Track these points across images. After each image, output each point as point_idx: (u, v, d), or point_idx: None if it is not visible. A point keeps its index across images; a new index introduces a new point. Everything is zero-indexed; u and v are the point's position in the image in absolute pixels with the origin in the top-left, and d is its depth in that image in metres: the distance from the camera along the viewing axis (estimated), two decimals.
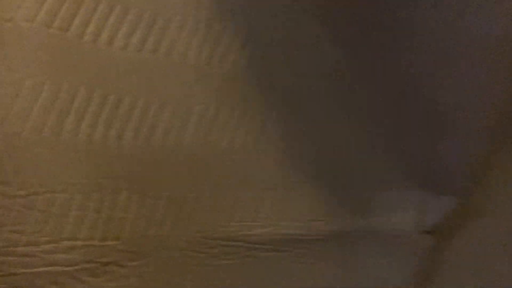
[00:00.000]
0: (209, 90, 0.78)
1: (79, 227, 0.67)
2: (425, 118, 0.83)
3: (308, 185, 0.82)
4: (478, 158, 0.84)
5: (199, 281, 0.76)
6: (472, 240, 0.85)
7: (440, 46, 0.81)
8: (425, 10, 0.80)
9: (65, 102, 0.67)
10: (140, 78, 0.73)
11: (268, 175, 0.80)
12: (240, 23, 0.79)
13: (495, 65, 0.80)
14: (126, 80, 0.73)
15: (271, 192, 0.80)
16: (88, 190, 0.68)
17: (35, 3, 0.66)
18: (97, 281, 0.67)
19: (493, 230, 0.79)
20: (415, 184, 0.84)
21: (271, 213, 0.80)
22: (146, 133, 0.74)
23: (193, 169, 0.77)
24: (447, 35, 0.80)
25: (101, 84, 0.70)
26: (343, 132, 0.84)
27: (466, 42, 0.79)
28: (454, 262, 0.87)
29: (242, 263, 0.78)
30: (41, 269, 0.64)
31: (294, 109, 0.82)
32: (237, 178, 0.79)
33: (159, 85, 0.74)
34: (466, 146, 0.83)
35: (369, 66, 0.84)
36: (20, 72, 0.64)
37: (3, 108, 0.63)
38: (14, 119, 0.63)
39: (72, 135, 0.67)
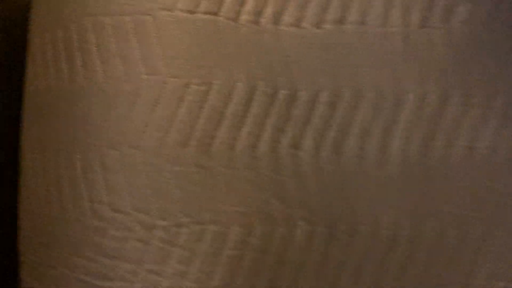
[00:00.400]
0: (427, 66, 0.47)
1: (235, 271, 0.47)
2: None
3: None
4: None
5: None
6: None
7: None
8: None
9: (216, 104, 0.48)
10: (322, 62, 0.48)
11: None
12: None
13: None
14: (301, 68, 0.49)
15: None
16: (249, 222, 0.47)
17: None
18: None
19: None
20: None
21: None
22: (334, 140, 0.48)
23: (410, 192, 0.47)
24: None
25: (267, 77, 0.49)
26: None
27: None
28: None
29: None
30: None
31: None
32: (482, 206, 0.45)
33: (349, 69, 0.48)
34: None
35: None
36: (161, 73, 0.48)
37: (141, 118, 0.47)
38: (153, 131, 0.47)
39: (227, 147, 0.48)
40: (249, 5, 0.50)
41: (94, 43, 0.51)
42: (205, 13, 0.49)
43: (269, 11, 0.50)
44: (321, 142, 0.49)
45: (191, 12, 0.49)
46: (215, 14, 0.49)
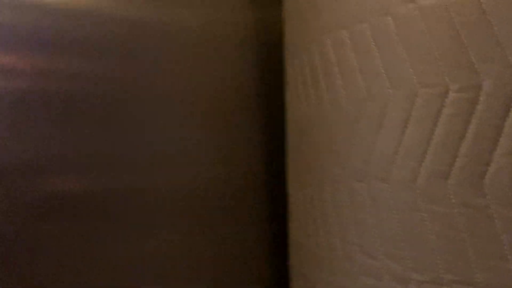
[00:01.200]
0: None
1: None
2: None
3: None
4: None
5: None
6: None
7: None
8: None
9: (487, 116, 0.32)
10: None
11: None
12: None
13: None
14: None
15: None
16: None
17: None
18: None
19: None
20: None
21: None
22: None
23: None
24: None
25: None
26: None
27: None
28: None
29: None
30: None
31: None
32: None
33: None
34: None
35: None
36: (410, 83, 0.35)
37: (389, 144, 0.36)
38: (403, 159, 0.35)
39: (509, 177, 0.31)
40: None
41: (335, 61, 0.41)
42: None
43: None
44: None
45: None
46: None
